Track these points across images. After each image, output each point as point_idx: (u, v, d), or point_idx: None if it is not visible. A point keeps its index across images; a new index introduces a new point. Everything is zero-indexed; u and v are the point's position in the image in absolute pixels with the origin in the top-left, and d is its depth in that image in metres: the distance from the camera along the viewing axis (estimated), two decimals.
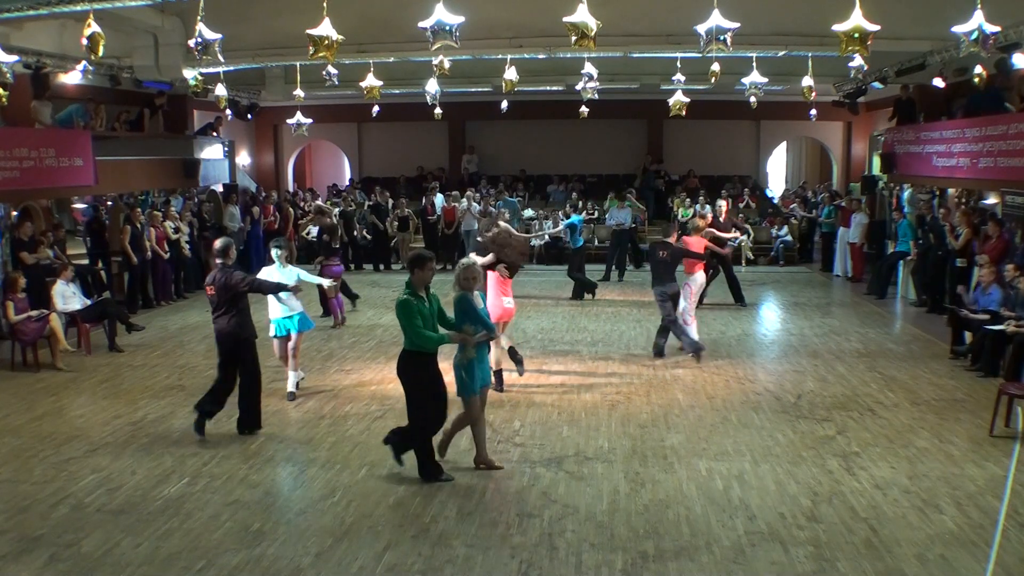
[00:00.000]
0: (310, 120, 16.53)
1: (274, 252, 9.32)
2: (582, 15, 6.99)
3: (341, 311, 13.07)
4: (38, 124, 13.20)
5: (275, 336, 9.09)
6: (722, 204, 16.38)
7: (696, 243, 11.37)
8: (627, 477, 6.79)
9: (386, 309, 14.14)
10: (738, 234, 15.27)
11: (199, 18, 7.90)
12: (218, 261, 7.89)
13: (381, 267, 19.29)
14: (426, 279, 6.60)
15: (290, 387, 9.13)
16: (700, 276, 11.38)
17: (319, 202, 19.63)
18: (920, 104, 16.31)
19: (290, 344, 9.06)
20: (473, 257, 8.31)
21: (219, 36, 7.97)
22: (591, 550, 5.53)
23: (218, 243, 8.05)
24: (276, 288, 8.23)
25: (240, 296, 7.76)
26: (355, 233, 18.94)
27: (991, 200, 14.01)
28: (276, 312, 9.00)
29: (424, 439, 6.71)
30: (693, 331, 10.95)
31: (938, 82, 14.94)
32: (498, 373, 9.10)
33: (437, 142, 24.37)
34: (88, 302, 11.76)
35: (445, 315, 6.80)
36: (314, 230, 20.72)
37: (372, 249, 19.33)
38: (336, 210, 19.86)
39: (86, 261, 14.44)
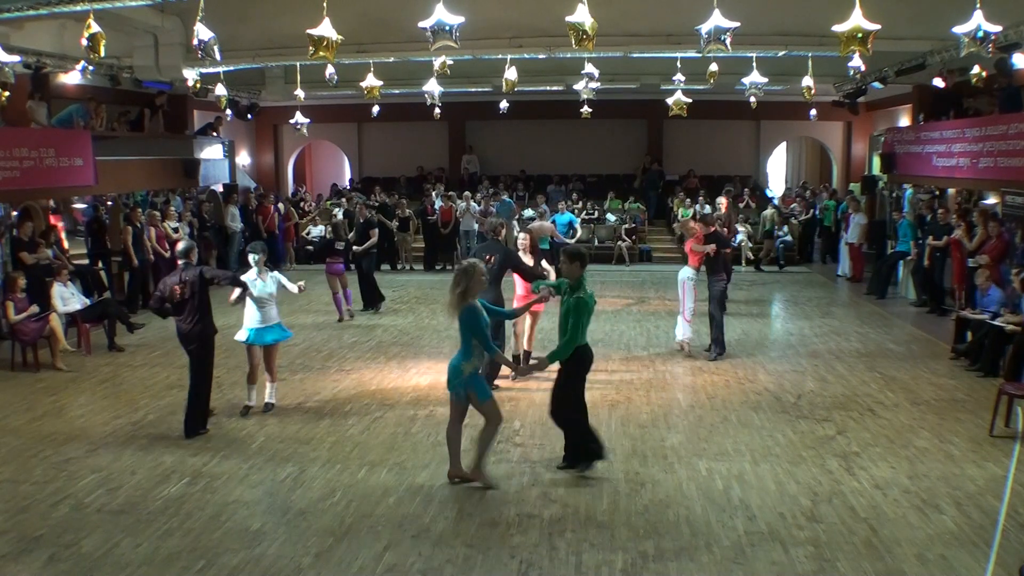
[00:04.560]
0: (308, 120, 16.55)
1: (251, 258, 8.60)
2: (582, 15, 6.99)
3: (349, 305, 13.64)
4: (34, 124, 13.21)
5: (249, 343, 8.43)
6: (722, 201, 16.43)
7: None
8: (627, 477, 6.78)
9: (385, 309, 14.14)
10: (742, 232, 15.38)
11: (199, 18, 7.89)
12: (181, 262, 8.02)
13: (387, 267, 19.35)
14: (573, 273, 6.76)
15: (268, 398, 8.67)
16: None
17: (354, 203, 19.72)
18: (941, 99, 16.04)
19: (260, 355, 8.48)
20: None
21: (212, 35, 7.96)
22: (591, 550, 5.53)
23: (181, 245, 8.28)
24: (238, 282, 8.22)
25: (206, 294, 7.89)
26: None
27: (991, 200, 14.01)
28: (253, 321, 8.42)
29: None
30: (687, 328, 10.99)
31: (938, 82, 14.94)
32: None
33: (437, 142, 24.38)
34: (88, 302, 11.77)
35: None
36: (315, 230, 20.91)
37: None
38: (339, 211, 19.97)
39: (86, 261, 14.45)
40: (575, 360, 6.77)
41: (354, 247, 13.63)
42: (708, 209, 17.66)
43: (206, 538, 5.74)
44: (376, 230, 13.54)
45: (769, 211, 19.59)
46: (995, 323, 9.63)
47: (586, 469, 6.85)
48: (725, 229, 13.76)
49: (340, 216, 18.44)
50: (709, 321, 10.90)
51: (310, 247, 20.22)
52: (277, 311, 8.62)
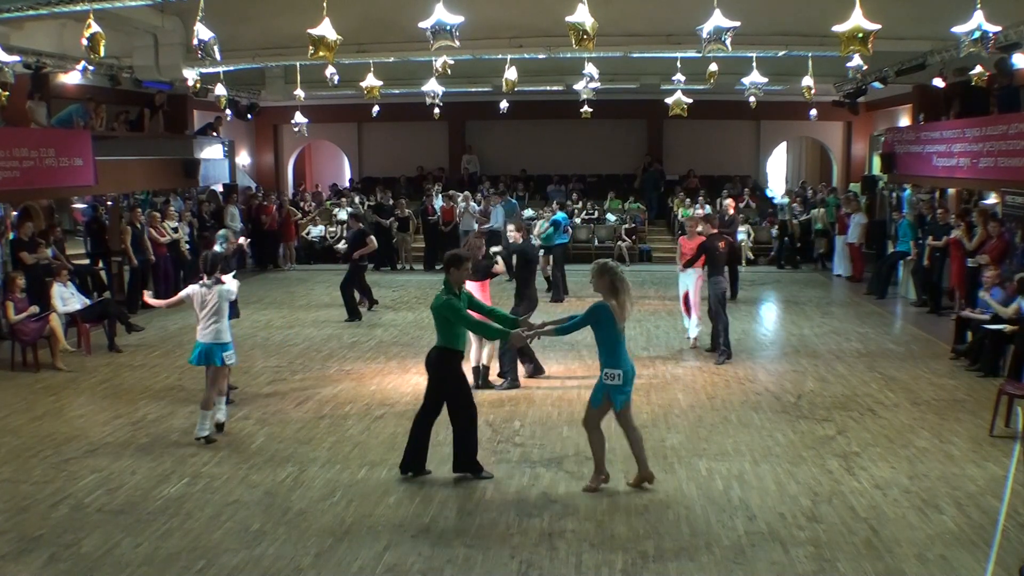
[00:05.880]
0: (308, 120, 16.54)
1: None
2: (582, 15, 7.00)
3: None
4: (34, 124, 13.21)
5: (202, 364, 7.73)
6: (728, 202, 16.44)
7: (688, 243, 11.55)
8: (627, 477, 6.78)
9: (385, 309, 14.15)
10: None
11: (199, 18, 7.89)
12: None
13: (387, 268, 19.34)
14: (462, 279, 6.78)
15: (223, 417, 7.95)
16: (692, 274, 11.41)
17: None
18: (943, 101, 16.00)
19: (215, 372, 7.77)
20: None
21: (212, 35, 7.96)
22: (591, 550, 5.53)
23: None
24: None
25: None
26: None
27: (991, 200, 14.01)
28: (208, 336, 7.64)
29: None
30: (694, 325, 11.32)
31: (938, 82, 14.93)
32: (481, 370, 9.29)
33: (437, 142, 24.37)
34: (88, 302, 11.77)
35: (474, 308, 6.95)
36: (315, 230, 20.93)
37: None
38: (342, 212, 20.00)
39: (86, 261, 14.45)
40: (443, 362, 6.66)
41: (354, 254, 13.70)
42: (708, 209, 17.67)
43: (206, 538, 5.74)
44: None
45: (820, 210, 19.32)
46: (994, 326, 9.59)
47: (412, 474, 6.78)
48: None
49: (342, 216, 18.62)
50: (713, 323, 10.89)
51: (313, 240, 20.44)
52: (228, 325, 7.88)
